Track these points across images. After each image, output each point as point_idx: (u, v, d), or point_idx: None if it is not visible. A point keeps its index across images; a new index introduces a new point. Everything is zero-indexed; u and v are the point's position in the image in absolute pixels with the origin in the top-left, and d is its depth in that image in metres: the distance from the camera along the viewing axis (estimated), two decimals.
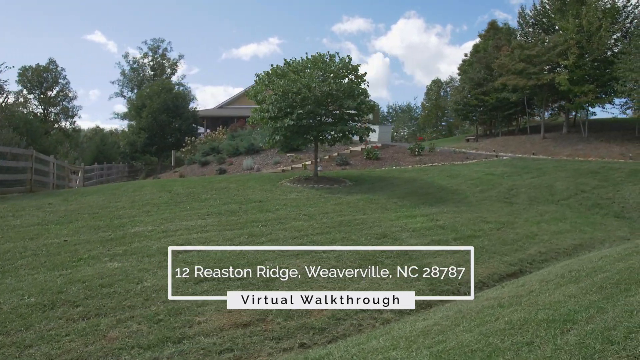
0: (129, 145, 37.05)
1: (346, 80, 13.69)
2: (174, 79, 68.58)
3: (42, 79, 57.98)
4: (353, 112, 14.34)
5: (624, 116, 29.18)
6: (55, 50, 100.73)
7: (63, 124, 60.01)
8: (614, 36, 26.20)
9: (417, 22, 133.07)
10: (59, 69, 59.94)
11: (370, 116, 37.68)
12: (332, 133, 14.08)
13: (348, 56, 13.93)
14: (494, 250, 9.27)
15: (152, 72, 65.58)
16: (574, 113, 41.81)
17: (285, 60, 14.38)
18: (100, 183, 28.10)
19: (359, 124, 15.24)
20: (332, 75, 13.45)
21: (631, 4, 25.94)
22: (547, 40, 26.55)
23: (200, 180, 15.60)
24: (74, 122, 60.69)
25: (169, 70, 66.33)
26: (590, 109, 28.12)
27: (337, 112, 14.81)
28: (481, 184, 15.29)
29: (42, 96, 58.17)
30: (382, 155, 24.17)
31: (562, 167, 17.98)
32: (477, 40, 35.67)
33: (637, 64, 21.47)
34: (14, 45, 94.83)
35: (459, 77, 36.66)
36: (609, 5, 25.45)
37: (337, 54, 14.07)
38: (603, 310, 4.17)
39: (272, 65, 13.94)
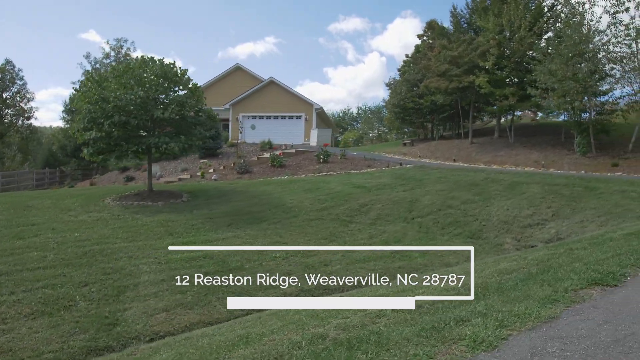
0: (60, 150, 35.57)
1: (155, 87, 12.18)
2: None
3: None
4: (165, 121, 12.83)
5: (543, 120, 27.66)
6: (50, 48, 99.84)
7: (20, 125, 58.61)
8: (545, 36, 24.70)
9: (414, 22, 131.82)
10: (16, 69, 58.45)
11: (305, 118, 36.27)
12: (161, 146, 12.59)
13: (160, 60, 12.46)
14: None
15: None
16: (543, 115, 40.26)
17: (111, 65, 12.94)
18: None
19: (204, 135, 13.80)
20: (144, 82, 11.98)
21: (560, 2, 24.44)
22: (474, 41, 25.09)
23: (25, 195, 14.20)
24: (31, 124, 59.30)
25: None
26: (518, 112, 26.63)
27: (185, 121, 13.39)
28: (335, 199, 13.86)
29: None
30: (288, 162, 22.73)
31: (445, 178, 16.54)
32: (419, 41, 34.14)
33: (549, 66, 20.00)
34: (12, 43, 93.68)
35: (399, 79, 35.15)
36: (533, 5, 23.93)
37: (153, 58, 12.60)
38: None
39: (87, 71, 12.45)
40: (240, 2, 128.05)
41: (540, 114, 39.50)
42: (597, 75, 20.44)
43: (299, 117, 37.23)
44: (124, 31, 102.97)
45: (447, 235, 12.28)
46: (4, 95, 57.23)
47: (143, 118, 12.02)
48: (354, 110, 67.65)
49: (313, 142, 34.97)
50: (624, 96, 21.30)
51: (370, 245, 10.85)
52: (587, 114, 20.63)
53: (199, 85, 13.25)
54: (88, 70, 60.37)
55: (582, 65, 19.00)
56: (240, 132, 35.58)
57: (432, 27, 31.32)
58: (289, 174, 20.47)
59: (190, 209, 12.36)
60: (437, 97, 27.05)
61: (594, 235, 8.01)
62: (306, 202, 13.33)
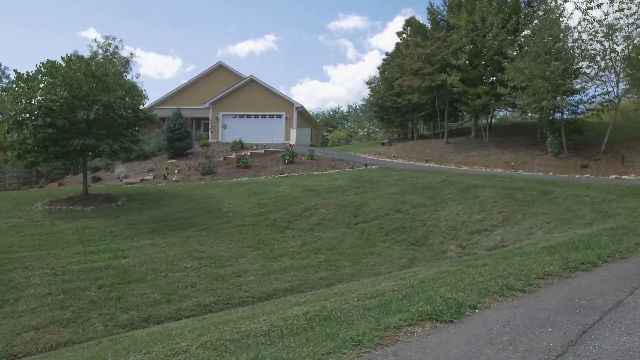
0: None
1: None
2: (127, 77, 66.56)
3: None
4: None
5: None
6: (50, 46, 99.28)
7: None
8: (522, 34, 23.99)
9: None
10: (2, 67, 57.67)
11: (286, 117, 35.73)
12: (95, 148, 11.97)
13: (89, 58, 11.83)
14: (117, 305, 7.28)
15: None
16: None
17: (42, 63, 12.29)
18: None
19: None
20: (70, 81, 11.32)
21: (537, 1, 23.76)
22: (448, 39, 24.40)
23: None
24: None
25: (120, 68, 64.03)
26: (507, 111, 25.89)
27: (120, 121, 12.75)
28: (278, 203, 13.26)
29: None
30: (254, 163, 22.14)
31: (403, 180, 15.93)
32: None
33: (518, 64, 19.37)
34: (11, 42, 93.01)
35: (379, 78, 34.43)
36: (510, 1, 23.20)
37: (82, 56, 11.96)
38: None
39: (15, 70, 11.81)
40: (240, 1, 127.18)
41: (530, 114, 38.81)
42: (572, 74, 19.82)
43: (279, 116, 36.74)
44: (123, 29, 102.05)
45: (389, 241, 11.69)
46: None
47: (70, 119, 11.41)
48: (345, 109, 66.92)
49: (292, 141, 34.42)
50: (597, 95, 20.69)
51: (298, 253, 10.26)
52: (559, 114, 19.98)
53: (135, 85, 12.62)
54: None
55: (552, 63, 18.33)
56: (211, 132, 35.08)
57: (411, 24, 30.63)
58: (251, 175, 19.88)
59: (118, 214, 11.76)
60: (413, 96, 26.41)
61: (510, 249, 7.44)
62: (246, 206, 12.72)
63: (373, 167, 19.59)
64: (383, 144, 31.18)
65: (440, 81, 23.31)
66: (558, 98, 19.16)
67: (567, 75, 19.30)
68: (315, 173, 19.04)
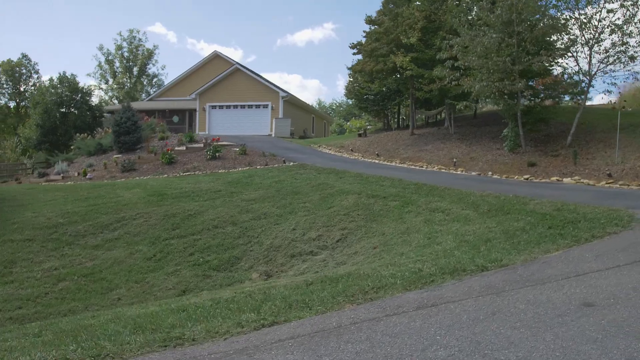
0: (25, 141, 35.90)
1: None
2: (153, 69, 67.86)
3: (15, 73, 58.45)
4: None
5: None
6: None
7: None
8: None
9: None
10: (32, 63, 60.40)
11: (272, 107, 33.80)
12: None
13: None
14: None
15: (128, 64, 65.10)
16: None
17: None
18: None
19: None
20: None
21: None
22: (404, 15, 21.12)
23: None
24: None
25: (143, 60, 65.35)
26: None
27: None
28: (93, 212, 11.52)
29: (14, 90, 59.00)
30: (181, 159, 20.56)
31: (280, 182, 13.53)
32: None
33: (456, 40, 16.03)
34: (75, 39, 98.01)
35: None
36: None
37: None
38: None
39: None
40: None
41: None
42: (532, 52, 16.01)
43: (265, 106, 35.04)
44: (188, 22, 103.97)
45: (185, 264, 9.56)
46: (21, 89, 59.66)
47: None
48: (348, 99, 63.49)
49: (273, 133, 32.53)
50: (568, 76, 16.72)
51: (37, 279, 8.47)
52: (513, 100, 16.34)
53: None
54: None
55: (488, 34, 14.87)
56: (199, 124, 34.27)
57: (391, 2, 27.24)
58: (159, 174, 18.37)
59: None
60: (374, 83, 23.42)
61: (83, 316, 5.15)
62: (47, 215, 11.10)
63: (291, 164, 17.23)
64: (360, 135, 28.39)
65: (392, 63, 20.21)
66: (506, 82, 15.53)
67: (523, 53, 15.60)
68: (219, 171, 17.11)
